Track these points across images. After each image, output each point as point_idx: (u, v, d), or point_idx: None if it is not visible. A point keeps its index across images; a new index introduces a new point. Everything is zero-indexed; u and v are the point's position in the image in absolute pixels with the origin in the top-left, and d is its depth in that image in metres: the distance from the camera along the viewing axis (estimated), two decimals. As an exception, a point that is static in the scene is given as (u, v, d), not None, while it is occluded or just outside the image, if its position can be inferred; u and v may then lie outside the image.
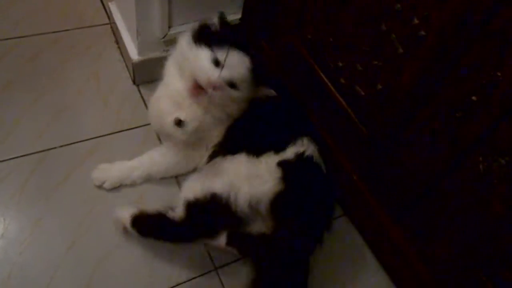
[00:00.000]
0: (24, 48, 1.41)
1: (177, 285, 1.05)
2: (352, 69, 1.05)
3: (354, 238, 1.22)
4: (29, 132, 1.22)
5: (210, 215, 1.03)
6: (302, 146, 1.08)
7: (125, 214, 1.07)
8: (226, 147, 1.12)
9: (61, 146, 1.22)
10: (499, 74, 0.72)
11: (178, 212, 1.04)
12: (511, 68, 0.70)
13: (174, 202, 1.07)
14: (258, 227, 1.05)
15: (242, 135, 1.13)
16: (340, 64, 1.09)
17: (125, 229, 1.08)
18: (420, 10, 0.83)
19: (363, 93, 1.04)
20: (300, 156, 1.06)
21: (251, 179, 1.02)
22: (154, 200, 1.15)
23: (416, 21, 0.84)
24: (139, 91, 1.39)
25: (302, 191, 1.05)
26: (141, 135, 1.29)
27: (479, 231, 0.85)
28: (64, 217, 1.10)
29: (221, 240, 1.05)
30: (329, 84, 1.15)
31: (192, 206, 1.03)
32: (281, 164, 1.04)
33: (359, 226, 1.23)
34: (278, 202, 1.02)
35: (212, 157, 1.13)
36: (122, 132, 1.28)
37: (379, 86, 0.99)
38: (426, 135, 0.90)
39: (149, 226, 1.06)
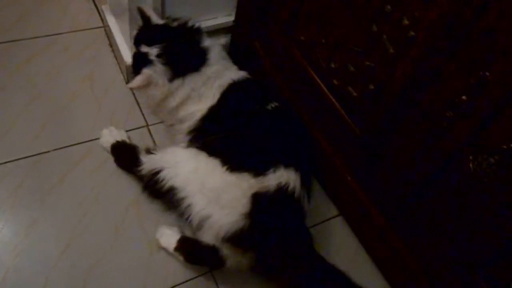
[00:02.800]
0: (17, 51, 1.41)
1: (173, 287, 1.06)
2: (345, 70, 1.06)
3: (348, 238, 1.23)
4: (23, 136, 1.22)
5: (163, 198, 1.07)
6: (285, 175, 1.01)
7: (106, 143, 1.22)
8: (204, 135, 1.14)
9: (55, 149, 1.22)
10: (487, 73, 0.73)
11: (144, 168, 1.09)
12: (499, 68, 0.71)
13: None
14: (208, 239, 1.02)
15: (220, 131, 1.12)
16: (333, 65, 1.09)
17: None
18: (410, 11, 0.84)
19: (355, 94, 1.05)
20: (281, 191, 0.99)
21: (212, 200, 0.98)
22: (148, 203, 1.15)
23: (406, 21, 0.85)
24: (133, 93, 1.39)
25: (270, 233, 0.98)
26: (136, 138, 1.29)
27: (472, 230, 0.86)
28: (58, 220, 1.10)
29: (171, 244, 1.07)
30: (322, 85, 1.15)
31: (153, 180, 1.05)
32: (255, 197, 0.97)
33: (353, 226, 1.24)
34: (234, 239, 0.98)
35: (193, 140, 1.16)
36: (117, 135, 1.28)
37: (371, 87, 0.99)
38: (417, 134, 0.91)
39: (121, 159, 1.19)
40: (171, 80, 1.13)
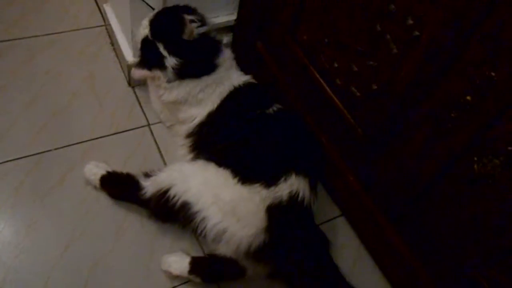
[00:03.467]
0: (18, 50, 1.41)
1: (173, 287, 1.05)
2: (348, 70, 1.05)
3: (350, 238, 1.22)
4: (24, 135, 1.22)
5: (175, 216, 1.03)
6: (295, 183, 1.02)
7: (93, 177, 1.12)
8: (209, 145, 1.12)
9: (56, 148, 1.21)
10: (493, 74, 0.72)
11: (148, 191, 1.05)
12: (505, 68, 0.70)
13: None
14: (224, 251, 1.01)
15: (225, 140, 1.10)
16: (336, 65, 1.09)
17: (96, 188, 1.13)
18: (414, 10, 0.83)
19: (358, 94, 1.04)
20: (292, 198, 1.00)
21: (228, 213, 0.97)
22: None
23: (410, 21, 0.84)
24: (135, 92, 1.39)
25: (290, 246, 0.99)
26: (137, 137, 1.29)
27: (476, 231, 0.85)
28: (59, 220, 1.10)
29: (183, 268, 1.03)
30: (324, 85, 1.14)
31: (163, 200, 1.01)
32: (270, 211, 0.97)
33: (355, 226, 1.23)
34: (257, 253, 0.97)
35: (193, 151, 1.14)
36: (117, 134, 1.28)
37: (375, 87, 0.99)
38: (421, 135, 0.90)
39: (117, 188, 1.12)
40: (169, 81, 1.14)
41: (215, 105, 1.15)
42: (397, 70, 0.91)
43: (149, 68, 1.15)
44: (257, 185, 0.99)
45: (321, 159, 1.22)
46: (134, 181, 1.08)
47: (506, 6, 0.68)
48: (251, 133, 1.10)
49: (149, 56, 1.16)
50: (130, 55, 1.34)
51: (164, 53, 1.12)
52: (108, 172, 1.12)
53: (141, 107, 1.36)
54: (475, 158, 0.79)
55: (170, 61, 1.12)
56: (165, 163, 1.24)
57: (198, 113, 1.16)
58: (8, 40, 1.42)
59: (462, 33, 0.76)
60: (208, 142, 1.13)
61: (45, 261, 1.03)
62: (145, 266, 1.07)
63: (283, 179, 1.01)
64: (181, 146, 1.21)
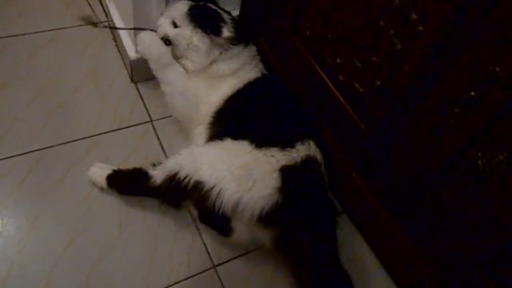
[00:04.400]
0: (21, 46, 1.41)
1: (176, 283, 1.05)
2: (351, 66, 1.04)
3: (353, 235, 1.22)
4: (26, 131, 1.22)
5: (186, 198, 1.03)
6: (313, 148, 1.04)
7: (100, 179, 1.12)
8: (226, 126, 1.12)
9: (59, 144, 1.21)
10: (497, 69, 0.72)
11: (157, 178, 1.04)
12: (509, 63, 0.70)
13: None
14: (239, 226, 1.02)
15: (247, 116, 1.12)
16: (339, 61, 1.08)
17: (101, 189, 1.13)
18: (418, 5, 0.82)
19: (361, 90, 1.04)
20: (308, 161, 1.02)
21: (242, 179, 0.98)
22: (153, 199, 1.14)
23: (414, 16, 0.84)
24: (137, 88, 1.39)
25: (300, 208, 1.00)
26: (139, 133, 1.29)
27: (480, 228, 0.85)
28: (62, 216, 1.10)
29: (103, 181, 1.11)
30: (327, 80, 1.14)
31: (173, 184, 1.01)
32: (284, 171, 0.99)
33: (358, 223, 1.23)
34: (269, 216, 0.98)
35: (212, 136, 1.13)
36: (120, 130, 1.28)
37: (378, 83, 0.98)
38: (424, 131, 0.89)
39: (126, 183, 1.11)
40: (233, 43, 1.18)
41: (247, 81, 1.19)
42: (401, 66, 0.90)
43: (215, 22, 1.15)
44: (273, 148, 1.01)
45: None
46: (142, 173, 1.09)
47: (510, 2, 0.67)
48: (270, 104, 1.13)
49: (212, 16, 1.17)
50: (132, 51, 1.34)
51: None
52: (114, 171, 1.12)
53: (143, 103, 1.36)
54: (479, 154, 0.79)
55: (226, 17, 1.17)
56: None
57: (228, 90, 1.18)
58: (11, 36, 1.42)
59: (465, 28, 0.75)
60: (230, 120, 1.14)
61: (48, 256, 1.03)
62: (148, 260, 1.07)
63: (300, 142, 1.04)
64: (199, 135, 1.19)
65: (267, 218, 0.98)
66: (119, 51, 1.46)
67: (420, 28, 0.83)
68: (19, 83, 1.32)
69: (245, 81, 1.19)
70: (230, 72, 1.19)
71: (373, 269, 1.17)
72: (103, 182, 1.12)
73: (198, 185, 0.99)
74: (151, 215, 1.13)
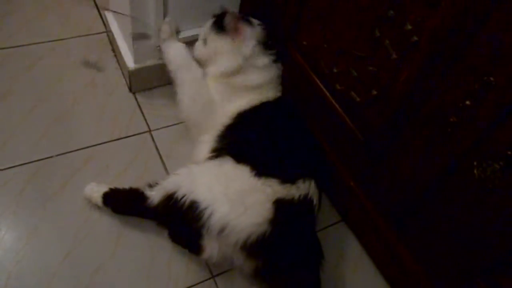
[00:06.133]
0: (20, 57, 1.42)
1: (174, 293, 1.05)
2: (347, 75, 1.05)
3: (351, 243, 1.22)
4: (25, 141, 1.22)
5: (182, 220, 1.00)
6: (312, 188, 1.02)
7: (96, 195, 1.11)
8: (232, 144, 1.11)
9: (58, 155, 1.22)
10: (492, 79, 0.72)
11: (154, 198, 1.03)
12: (503, 73, 0.71)
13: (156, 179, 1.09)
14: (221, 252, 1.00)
15: (255, 137, 1.10)
16: (335, 70, 1.09)
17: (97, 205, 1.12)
18: (413, 16, 0.83)
19: (358, 99, 1.05)
20: (304, 201, 1.00)
21: (235, 203, 0.96)
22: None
23: (409, 26, 0.84)
24: (136, 99, 1.39)
25: (287, 246, 0.97)
26: (138, 143, 1.29)
27: (476, 236, 0.85)
28: (60, 226, 1.10)
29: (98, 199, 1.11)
30: (324, 90, 1.15)
31: (170, 203, 1.00)
32: (279, 204, 0.96)
33: (356, 231, 1.23)
34: (253, 246, 0.95)
35: (215, 149, 1.12)
36: (119, 140, 1.29)
37: (374, 92, 0.99)
38: (421, 140, 0.90)
39: (121, 202, 1.10)
40: (265, 48, 1.20)
41: (277, 94, 1.22)
42: (397, 75, 0.91)
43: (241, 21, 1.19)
44: (272, 179, 0.99)
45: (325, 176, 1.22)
46: (139, 193, 1.07)
47: (503, 12, 0.68)
48: (281, 135, 1.12)
49: (221, 20, 1.19)
50: (131, 62, 1.35)
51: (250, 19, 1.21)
52: (111, 189, 1.11)
53: (142, 113, 1.36)
54: (475, 163, 0.79)
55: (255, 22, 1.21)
56: (166, 169, 1.25)
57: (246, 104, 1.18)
58: (10, 47, 1.43)
59: (460, 38, 0.76)
60: (237, 138, 1.13)
61: (47, 267, 1.03)
62: (146, 271, 1.07)
63: (301, 180, 1.01)
64: (203, 144, 1.18)
65: (251, 248, 0.95)
66: (118, 61, 1.47)
67: (415, 38, 0.84)
68: (18, 94, 1.32)
69: (264, 99, 1.19)
70: (255, 85, 1.19)
71: (371, 277, 1.17)
72: (98, 199, 1.11)
73: (193, 204, 0.97)
74: (149, 225, 1.13)
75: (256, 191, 0.97)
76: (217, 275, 1.09)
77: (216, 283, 1.08)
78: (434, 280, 1.00)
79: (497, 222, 0.79)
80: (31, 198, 1.13)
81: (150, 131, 1.33)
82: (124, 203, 1.10)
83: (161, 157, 1.27)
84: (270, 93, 1.22)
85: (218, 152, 1.11)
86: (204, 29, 1.25)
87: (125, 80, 1.42)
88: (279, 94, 1.24)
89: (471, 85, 0.76)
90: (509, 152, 0.73)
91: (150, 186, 1.07)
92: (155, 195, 1.04)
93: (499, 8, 0.68)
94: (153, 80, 1.40)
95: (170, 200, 1.00)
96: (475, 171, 0.79)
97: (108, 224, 1.12)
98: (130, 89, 1.41)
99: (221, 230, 0.95)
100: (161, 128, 1.33)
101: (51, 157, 1.21)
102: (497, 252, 0.81)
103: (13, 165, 1.17)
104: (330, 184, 1.27)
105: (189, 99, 1.21)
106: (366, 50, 0.97)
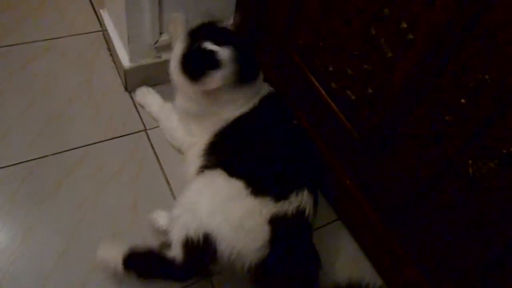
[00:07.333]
0: (15, 56, 1.41)
1: (172, 290, 1.05)
2: (343, 74, 1.05)
3: (347, 242, 1.22)
4: (20, 141, 1.22)
5: (207, 256, 0.95)
6: (305, 199, 0.99)
7: (114, 259, 0.97)
8: (221, 155, 1.09)
9: (53, 154, 1.21)
10: (487, 77, 0.72)
11: (176, 254, 0.95)
12: (499, 71, 0.71)
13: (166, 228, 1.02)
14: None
15: (244, 149, 1.06)
16: (331, 69, 1.09)
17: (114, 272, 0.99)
18: (408, 14, 0.83)
19: (354, 97, 1.04)
20: (297, 213, 0.98)
21: (238, 229, 0.93)
22: (147, 208, 1.14)
23: (404, 25, 0.84)
24: (131, 97, 1.39)
25: (286, 263, 0.96)
26: (134, 142, 1.28)
27: (471, 235, 0.85)
28: (55, 226, 1.09)
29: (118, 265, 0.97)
30: (320, 88, 1.15)
31: (190, 247, 0.94)
32: (274, 222, 0.94)
33: (352, 230, 1.23)
34: (257, 269, 0.94)
35: (204, 166, 1.09)
36: (114, 140, 1.28)
37: (370, 90, 0.99)
38: (416, 138, 0.90)
39: (146, 268, 0.98)
40: (233, 86, 1.07)
41: (249, 108, 1.12)
42: (392, 74, 0.91)
43: (202, 69, 1.03)
44: (267, 198, 0.96)
45: (321, 174, 1.21)
46: (160, 254, 0.97)
47: (498, 10, 0.68)
48: (268, 144, 1.07)
49: (198, 60, 1.06)
50: (126, 60, 1.34)
51: (212, 47, 1.03)
52: (129, 250, 0.98)
53: (138, 112, 1.36)
54: (470, 161, 0.79)
55: (224, 53, 1.03)
56: (162, 168, 1.24)
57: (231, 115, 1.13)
58: (4, 46, 1.42)
59: (455, 36, 0.76)
60: (225, 151, 1.10)
61: (42, 267, 1.02)
62: (142, 271, 1.06)
63: (294, 193, 0.98)
64: (193, 159, 1.15)
65: (254, 270, 0.95)
66: (113, 60, 1.46)
67: (410, 36, 0.84)
68: (13, 93, 1.32)
69: (247, 109, 1.13)
70: (230, 112, 1.13)
71: (368, 275, 1.16)
72: (118, 265, 0.97)
73: (207, 237, 0.93)
74: (145, 225, 1.12)
75: (254, 214, 0.95)
76: (213, 274, 1.09)
77: (212, 283, 1.08)
78: (432, 279, 1.00)
79: (491, 220, 0.79)
80: (26, 198, 1.12)
81: (146, 130, 1.32)
82: (148, 266, 0.99)
83: (157, 156, 1.27)
84: (253, 103, 1.13)
85: (207, 166, 1.08)
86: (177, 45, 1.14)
87: (121, 79, 1.42)
88: (268, 92, 1.17)
89: (466, 83, 0.76)
90: (504, 151, 0.73)
91: (165, 246, 0.98)
92: (175, 251, 0.96)
93: (494, 6, 0.68)
94: (149, 79, 1.40)
95: (188, 243, 0.94)
96: (470, 170, 0.79)
97: (103, 223, 1.11)
98: (126, 88, 1.40)
99: (228, 257, 0.93)
100: (157, 127, 1.33)
101: (46, 156, 1.20)
102: (491, 249, 0.81)
103: (7, 164, 1.17)
104: (326, 183, 1.27)
105: (169, 138, 1.27)
106: (362, 49, 0.97)
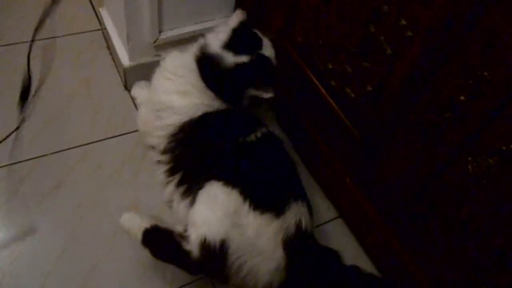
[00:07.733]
0: (13, 55, 1.41)
1: (171, 291, 1.05)
2: (342, 71, 1.05)
3: (348, 240, 1.22)
4: (19, 140, 1.22)
5: (218, 263, 0.93)
6: (297, 209, 0.98)
7: (136, 228, 0.99)
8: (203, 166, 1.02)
9: (52, 153, 1.21)
10: (486, 73, 0.72)
11: (193, 250, 0.93)
12: (498, 68, 0.70)
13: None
14: None
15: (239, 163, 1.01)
16: (330, 66, 1.08)
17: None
18: (407, 11, 0.83)
19: (353, 95, 1.04)
20: (298, 229, 0.96)
21: (252, 251, 0.92)
22: (147, 207, 1.14)
23: (403, 22, 0.84)
24: (131, 96, 1.39)
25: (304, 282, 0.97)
26: (132, 141, 1.28)
27: (471, 232, 0.85)
28: (55, 225, 1.09)
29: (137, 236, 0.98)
30: (319, 86, 1.14)
31: (207, 250, 0.92)
32: (287, 245, 0.93)
33: (353, 228, 1.23)
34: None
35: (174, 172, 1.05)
36: (114, 138, 1.28)
37: (369, 88, 0.98)
38: (415, 135, 0.90)
39: (162, 251, 0.98)
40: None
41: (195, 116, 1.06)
42: (391, 71, 0.91)
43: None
44: (268, 214, 0.94)
45: (314, 159, 1.19)
46: (177, 242, 0.96)
47: (498, 7, 0.68)
48: (243, 158, 1.03)
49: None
50: (126, 59, 1.34)
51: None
52: (152, 226, 0.99)
53: (137, 110, 1.35)
54: (469, 158, 0.79)
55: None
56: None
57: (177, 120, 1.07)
58: (3, 45, 1.42)
59: (455, 33, 0.75)
60: (194, 159, 1.04)
61: (42, 266, 1.03)
62: (142, 270, 1.06)
63: (287, 207, 0.96)
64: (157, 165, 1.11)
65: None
66: (113, 59, 1.46)
67: (409, 33, 0.84)
68: (11, 92, 1.31)
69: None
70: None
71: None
72: (138, 235, 0.98)
73: (223, 243, 0.91)
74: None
75: (262, 233, 0.93)
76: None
77: (212, 283, 1.08)
78: (432, 277, 1.00)
79: (491, 217, 0.79)
80: (25, 197, 1.12)
81: (145, 128, 1.32)
82: (164, 248, 0.99)
83: (156, 155, 1.27)
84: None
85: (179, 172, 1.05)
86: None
87: (120, 77, 1.42)
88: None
89: (466, 80, 0.76)
90: (504, 147, 0.73)
91: (183, 237, 0.96)
92: (192, 247, 0.94)
93: (493, 2, 0.68)
94: (148, 77, 1.39)
95: (205, 245, 0.92)
96: (469, 167, 0.79)
97: (103, 222, 1.11)
98: (125, 87, 1.40)
99: (237, 271, 0.93)
100: (156, 125, 1.33)
101: (45, 155, 1.20)
102: (491, 246, 0.81)
103: (7, 163, 1.17)
104: (326, 181, 1.27)
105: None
106: (361, 46, 0.97)
